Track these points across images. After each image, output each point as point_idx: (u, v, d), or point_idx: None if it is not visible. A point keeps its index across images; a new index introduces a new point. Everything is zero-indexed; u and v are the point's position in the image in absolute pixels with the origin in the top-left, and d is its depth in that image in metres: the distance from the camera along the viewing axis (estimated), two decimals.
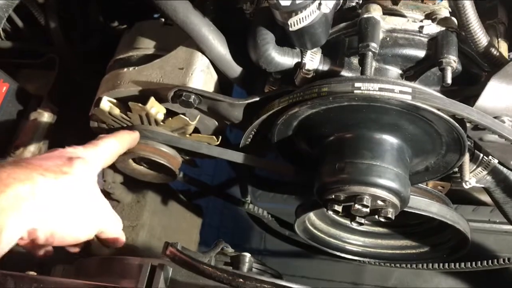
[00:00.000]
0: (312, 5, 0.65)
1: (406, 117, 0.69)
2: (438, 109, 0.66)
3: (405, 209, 0.83)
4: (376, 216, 0.73)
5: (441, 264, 1.01)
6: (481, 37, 0.70)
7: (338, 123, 0.73)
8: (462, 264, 0.99)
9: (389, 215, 0.72)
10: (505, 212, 0.94)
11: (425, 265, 1.03)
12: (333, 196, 0.72)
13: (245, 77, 0.82)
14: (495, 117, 0.75)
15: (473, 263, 0.99)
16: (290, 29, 0.67)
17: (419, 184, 0.91)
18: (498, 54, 0.72)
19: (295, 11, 0.65)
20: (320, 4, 0.66)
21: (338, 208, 0.74)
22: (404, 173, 0.72)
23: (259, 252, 1.74)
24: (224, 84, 0.87)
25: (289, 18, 0.66)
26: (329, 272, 1.58)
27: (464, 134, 0.70)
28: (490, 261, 0.98)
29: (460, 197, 1.24)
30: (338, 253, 1.05)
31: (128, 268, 0.66)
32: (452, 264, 1.00)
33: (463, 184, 0.85)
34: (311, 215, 0.99)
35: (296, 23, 0.66)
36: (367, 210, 0.72)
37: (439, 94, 0.68)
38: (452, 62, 0.72)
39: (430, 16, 0.80)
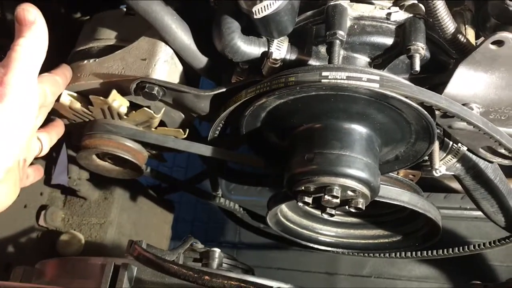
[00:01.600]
0: None
1: (375, 106, 0.68)
2: (406, 97, 0.65)
3: (376, 199, 0.82)
4: (347, 207, 0.72)
5: (413, 253, 1.01)
6: (448, 24, 0.70)
7: (306, 113, 0.71)
8: (435, 252, 1.00)
9: (360, 205, 0.71)
10: (475, 199, 0.94)
11: (398, 253, 1.04)
12: (302, 188, 0.71)
13: (212, 67, 0.79)
14: (463, 104, 0.75)
15: (445, 250, 1.00)
16: (255, 17, 0.65)
17: (390, 173, 0.91)
18: (465, 41, 0.71)
19: None
20: None
21: (308, 199, 0.72)
22: (374, 163, 0.71)
23: (234, 245, 1.73)
24: (191, 75, 0.84)
25: (254, 5, 0.64)
26: (304, 263, 1.59)
27: (433, 122, 0.69)
28: (461, 247, 0.99)
29: (433, 185, 1.26)
30: (311, 245, 1.04)
31: (91, 268, 0.63)
32: (425, 252, 1.01)
33: (433, 172, 0.85)
34: (283, 207, 0.98)
35: (261, 10, 0.64)
36: (337, 201, 0.71)
37: (407, 82, 0.67)
38: (420, 49, 0.71)
39: (398, 3, 0.79)
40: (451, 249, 1.00)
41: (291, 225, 1.02)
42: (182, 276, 0.52)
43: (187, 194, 1.12)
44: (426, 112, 0.67)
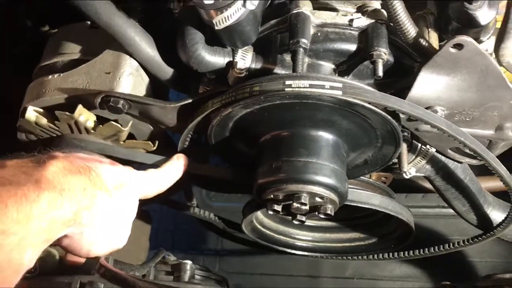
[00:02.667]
0: (236, 3, 0.63)
1: (339, 113, 0.68)
2: (369, 103, 0.66)
3: (347, 203, 0.83)
4: (316, 213, 0.72)
5: (391, 254, 1.02)
6: (409, 28, 0.70)
7: (272, 121, 0.72)
8: (411, 253, 1.00)
9: (328, 211, 0.71)
10: (446, 199, 0.95)
11: (376, 256, 1.04)
12: (272, 196, 0.71)
13: (179, 78, 0.79)
14: (428, 107, 0.76)
15: (421, 250, 1.00)
16: (216, 28, 0.65)
17: (362, 177, 0.92)
18: (427, 44, 0.72)
19: (220, 9, 0.63)
20: (245, 1, 0.64)
21: (278, 207, 0.73)
22: (341, 169, 0.72)
23: (217, 253, 1.72)
24: (158, 87, 0.84)
25: (215, 16, 0.64)
26: (287, 267, 1.59)
27: (398, 126, 0.70)
28: (437, 247, 0.99)
29: (411, 186, 1.27)
30: (288, 250, 1.05)
31: (58, 287, 0.63)
32: (402, 253, 1.01)
33: (403, 174, 0.86)
34: (259, 214, 0.98)
35: (222, 21, 0.64)
36: (307, 207, 0.71)
37: (370, 88, 0.67)
38: (383, 54, 0.72)
39: (361, 8, 0.80)
40: (427, 249, 1.00)
41: (268, 232, 1.02)
42: None
43: None
44: (389, 117, 0.68)
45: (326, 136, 0.72)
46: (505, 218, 0.87)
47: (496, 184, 1.10)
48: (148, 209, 1.32)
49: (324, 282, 1.60)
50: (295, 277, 1.62)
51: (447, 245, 0.99)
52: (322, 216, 0.72)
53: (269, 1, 0.77)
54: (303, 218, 0.73)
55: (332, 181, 0.69)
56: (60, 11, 1.08)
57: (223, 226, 1.09)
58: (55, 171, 0.54)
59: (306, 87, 0.64)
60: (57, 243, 0.58)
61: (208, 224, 1.17)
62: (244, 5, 0.64)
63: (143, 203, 1.24)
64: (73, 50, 0.82)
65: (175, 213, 1.92)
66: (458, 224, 1.45)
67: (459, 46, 0.68)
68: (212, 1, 0.62)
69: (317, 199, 0.71)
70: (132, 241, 1.20)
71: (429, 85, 0.73)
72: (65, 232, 0.56)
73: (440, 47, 0.70)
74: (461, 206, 0.95)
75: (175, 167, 0.75)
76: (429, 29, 0.81)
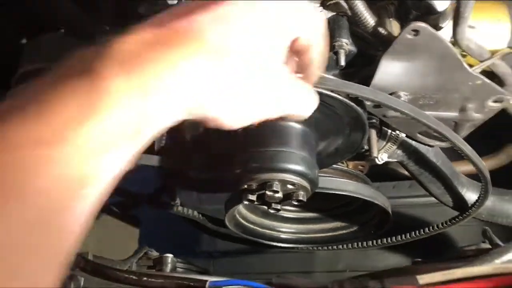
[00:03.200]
0: None
1: None
2: (332, 91, 0.68)
3: (323, 191, 0.85)
4: (290, 200, 0.75)
5: (374, 242, 1.04)
6: (367, 18, 0.73)
7: None
8: (393, 238, 1.03)
9: (301, 198, 0.74)
10: (422, 183, 0.98)
11: (360, 244, 1.07)
12: (245, 186, 0.74)
13: None
14: (392, 93, 0.79)
15: (404, 235, 1.03)
16: None
17: (338, 166, 0.95)
18: (386, 33, 0.75)
19: None
20: None
21: (253, 197, 0.75)
22: (310, 156, 0.74)
23: (210, 254, 1.74)
24: None
25: None
26: (281, 265, 1.61)
27: (361, 112, 0.73)
28: (421, 230, 1.01)
29: (386, 173, 1.29)
30: (274, 244, 1.07)
31: None
32: (383, 240, 1.04)
33: (376, 160, 0.89)
34: (241, 208, 1.00)
35: None
36: (280, 195, 0.74)
37: (331, 77, 0.70)
38: (344, 44, 0.75)
39: (324, 2, 0.83)
40: (408, 234, 1.02)
41: (252, 226, 1.05)
42: (123, 279, 0.54)
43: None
44: (353, 104, 0.71)
45: (294, 125, 0.75)
46: (478, 198, 0.90)
47: (470, 167, 1.14)
48: (137, 213, 1.35)
49: (318, 277, 1.62)
50: (290, 273, 1.64)
51: (427, 229, 1.02)
52: (295, 203, 0.74)
53: None
54: (278, 207, 0.75)
55: (302, 168, 0.72)
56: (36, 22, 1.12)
57: (210, 225, 1.12)
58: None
59: None
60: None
61: (197, 224, 1.20)
62: None
63: (130, 207, 1.27)
64: (49, 57, 0.84)
65: (168, 215, 1.94)
66: (446, 211, 1.48)
67: (415, 32, 0.71)
68: None
69: (289, 186, 0.73)
70: (120, 244, 1.23)
71: (391, 71, 0.76)
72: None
73: (398, 34, 0.73)
74: (436, 189, 0.97)
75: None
76: (391, 19, 0.84)
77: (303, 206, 1.10)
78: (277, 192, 0.72)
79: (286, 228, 1.08)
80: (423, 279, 0.64)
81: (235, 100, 0.46)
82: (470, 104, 0.80)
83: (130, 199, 1.16)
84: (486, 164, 1.16)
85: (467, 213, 0.93)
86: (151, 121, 0.40)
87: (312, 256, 1.63)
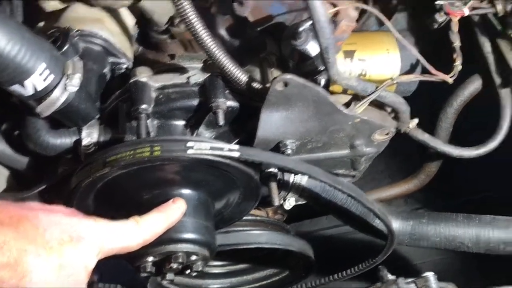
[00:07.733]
0: (56, 90, 0.66)
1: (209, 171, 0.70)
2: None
3: (238, 247, 0.84)
4: (188, 271, 0.73)
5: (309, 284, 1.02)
6: (239, 75, 0.73)
7: (139, 185, 0.71)
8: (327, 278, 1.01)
9: (200, 268, 0.72)
10: (339, 219, 0.97)
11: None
12: (147, 259, 0.70)
13: (37, 164, 0.80)
14: (279, 143, 0.79)
15: (336, 275, 1.00)
16: (43, 115, 0.67)
17: (255, 216, 0.94)
18: (260, 87, 0.75)
19: (39, 100, 0.65)
20: (65, 85, 0.66)
21: (152, 269, 0.72)
22: (211, 225, 0.73)
23: None
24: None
25: (36, 106, 0.66)
26: None
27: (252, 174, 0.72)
28: (352, 269, 0.98)
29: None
30: None
31: None
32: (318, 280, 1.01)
33: (284, 206, 0.88)
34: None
35: (46, 110, 0.66)
36: (180, 266, 0.72)
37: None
38: (221, 104, 0.75)
39: (206, 63, 0.84)
40: (340, 273, 0.99)
41: None
42: None
43: None
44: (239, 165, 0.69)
45: (196, 194, 0.73)
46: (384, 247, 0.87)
47: (387, 193, 1.15)
48: None
49: None
50: None
51: (356, 267, 0.98)
52: (193, 274, 0.73)
53: (110, 74, 0.80)
54: (172, 277, 0.73)
55: (205, 238, 0.70)
56: None
57: None
58: None
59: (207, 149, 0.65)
60: None
61: None
62: (65, 89, 0.66)
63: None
64: None
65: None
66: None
67: (285, 84, 0.72)
68: (31, 92, 0.64)
69: (192, 257, 0.71)
70: None
71: (274, 122, 0.76)
72: None
73: (268, 88, 0.73)
74: (355, 223, 0.97)
75: (162, 216, 0.65)
76: (273, 69, 0.85)
77: (233, 259, 1.09)
78: (181, 263, 0.70)
79: (220, 284, 1.06)
80: None
81: None
82: (357, 141, 0.81)
83: None
84: (408, 186, 1.19)
85: (375, 259, 0.91)
86: None
87: None
